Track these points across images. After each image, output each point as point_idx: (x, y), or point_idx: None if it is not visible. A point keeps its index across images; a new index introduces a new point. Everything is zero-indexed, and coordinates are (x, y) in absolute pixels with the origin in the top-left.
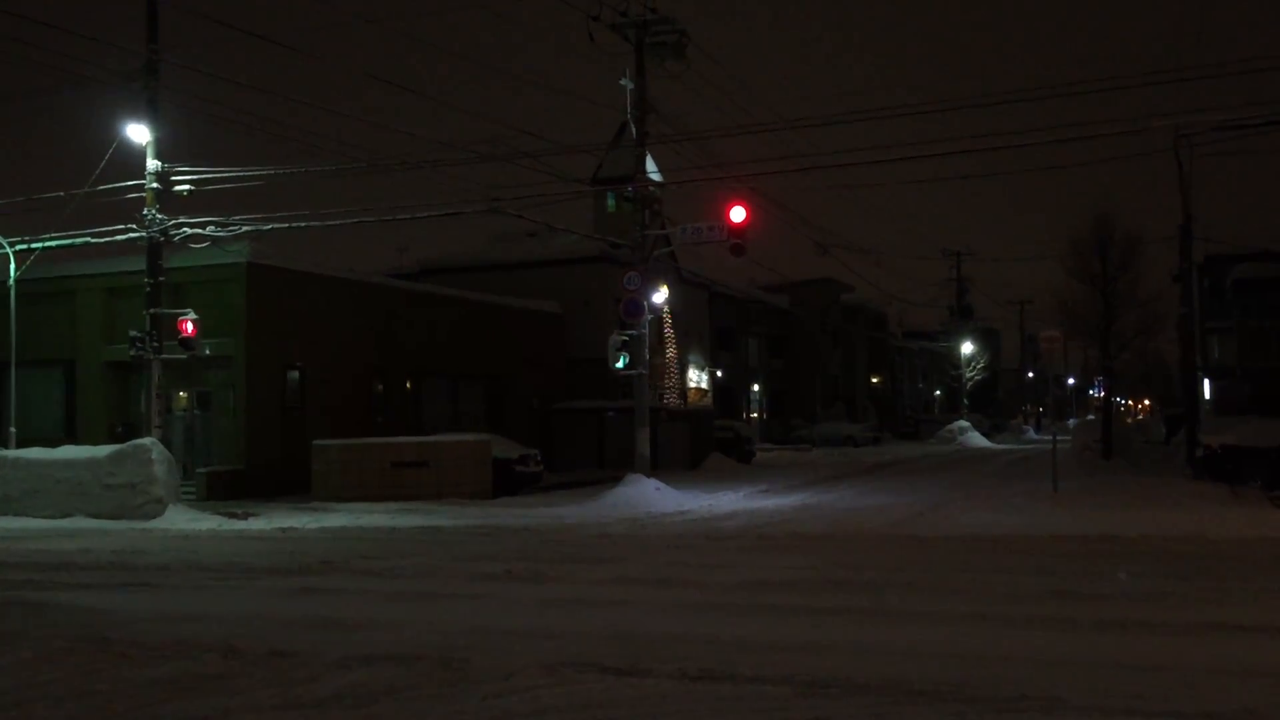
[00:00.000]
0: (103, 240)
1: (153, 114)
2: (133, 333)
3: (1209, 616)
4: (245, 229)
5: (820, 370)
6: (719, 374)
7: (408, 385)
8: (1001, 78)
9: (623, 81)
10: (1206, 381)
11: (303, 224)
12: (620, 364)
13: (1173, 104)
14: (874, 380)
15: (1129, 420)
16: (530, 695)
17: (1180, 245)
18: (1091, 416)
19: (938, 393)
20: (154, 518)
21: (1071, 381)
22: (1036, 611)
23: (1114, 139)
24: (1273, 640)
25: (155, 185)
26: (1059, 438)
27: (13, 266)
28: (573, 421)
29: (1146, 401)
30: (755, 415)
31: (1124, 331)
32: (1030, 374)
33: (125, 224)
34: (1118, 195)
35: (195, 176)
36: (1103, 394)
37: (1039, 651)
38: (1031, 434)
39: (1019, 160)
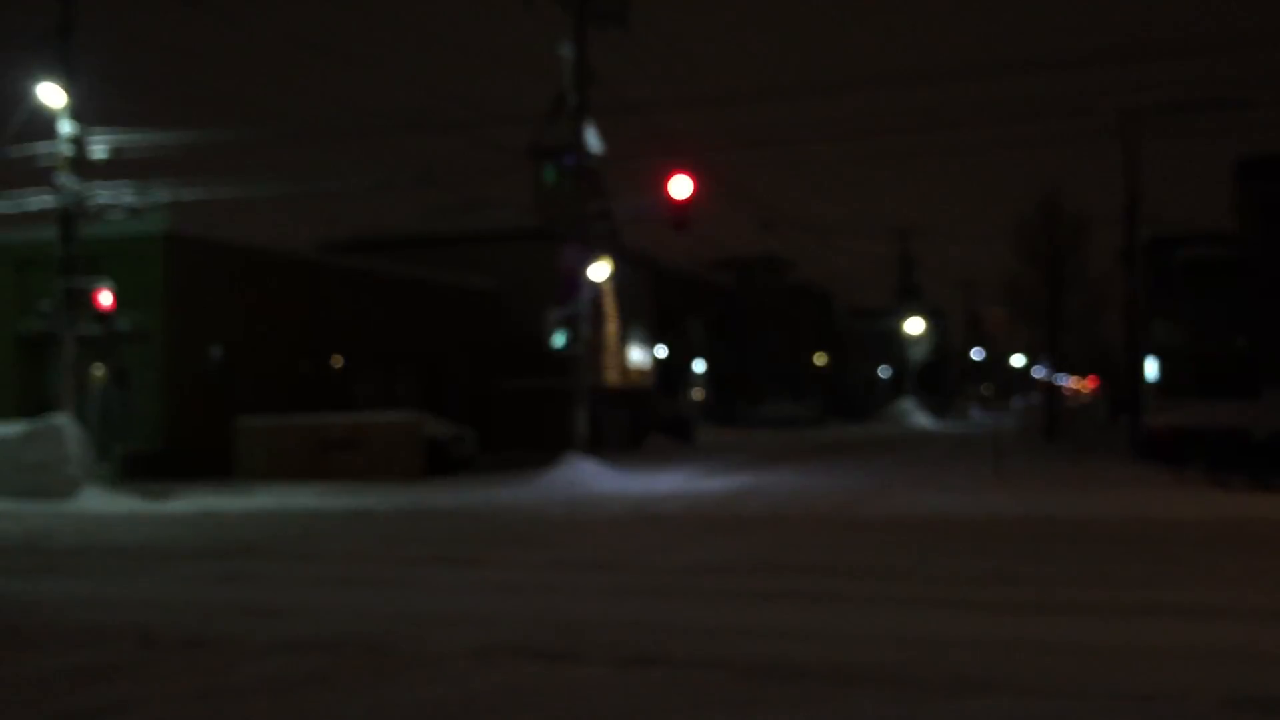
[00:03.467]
0: (13, 211)
1: (67, 75)
2: (44, 306)
3: (1149, 597)
4: (164, 198)
5: (764, 350)
6: (661, 353)
7: (338, 363)
8: (950, 54)
9: (561, 50)
10: (1151, 363)
11: (225, 194)
12: (558, 342)
13: (1121, 84)
14: (819, 360)
15: (1073, 402)
16: (459, 682)
17: (1126, 227)
18: (1036, 398)
19: (884, 373)
20: (68, 499)
21: (1019, 362)
22: (977, 594)
23: (1062, 119)
24: (1211, 621)
25: (69, 150)
26: (1003, 419)
27: None
28: (510, 401)
29: (1092, 383)
30: (698, 395)
31: (1070, 313)
32: (976, 355)
33: (37, 191)
34: (1067, 176)
35: (112, 138)
36: (1048, 375)
37: (980, 634)
38: (977, 415)
39: (967, 137)
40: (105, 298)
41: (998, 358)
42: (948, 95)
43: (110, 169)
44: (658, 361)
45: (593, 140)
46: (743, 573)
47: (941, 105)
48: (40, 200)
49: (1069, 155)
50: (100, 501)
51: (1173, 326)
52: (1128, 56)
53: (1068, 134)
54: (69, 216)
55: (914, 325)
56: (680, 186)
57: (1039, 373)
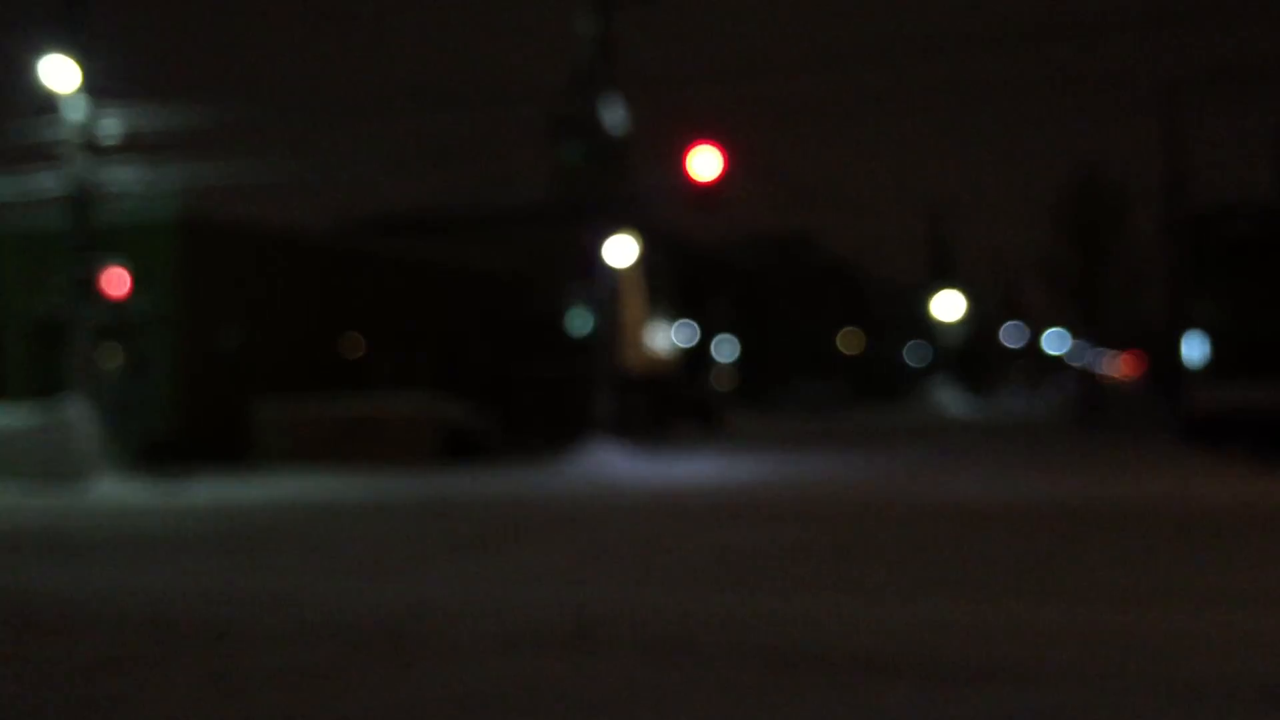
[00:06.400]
0: (24, 197)
1: (79, 52)
2: (57, 290)
3: (1189, 583)
4: (178, 180)
5: (793, 331)
6: (686, 335)
7: (355, 346)
8: (990, 23)
9: (578, 25)
10: (1194, 343)
11: (240, 176)
12: (580, 325)
13: (1161, 55)
14: (849, 341)
15: (1111, 383)
16: (484, 673)
17: (1166, 201)
18: (1075, 379)
19: (915, 354)
20: (83, 486)
21: (1055, 345)
22: (1012, 580)
23: (1104, 91)
24: (1252, 607)
25: (80, 131)
26: (1041, 400)
27: None
28: (531, 384)
29: (1131, 364)
30: (724, 378)
31: (1110, 291)
32: (1012, 335)
33: (49, 173)
34: (1105, 149)
35: (124, 118)
36: (1085, 356)
37: (1014, 621)
38: (1013, 397)
39: (1005, 110)
40: (119, 282)
41: (1033, 338)
42: (983, 66)
43: (123, 151)
44: (682, 344)
45: (614, 116)
46: (771, 560)
47: (977, 77)
48: (52, 183)
49: (1108, 128)
50: (116, 489)
51: (1217, 305)
52: (1166, 25)
53: (1106, 106)
54: (81, 200)
55: (946, 305)
56: (708, 165)
57: (1076, 353)
